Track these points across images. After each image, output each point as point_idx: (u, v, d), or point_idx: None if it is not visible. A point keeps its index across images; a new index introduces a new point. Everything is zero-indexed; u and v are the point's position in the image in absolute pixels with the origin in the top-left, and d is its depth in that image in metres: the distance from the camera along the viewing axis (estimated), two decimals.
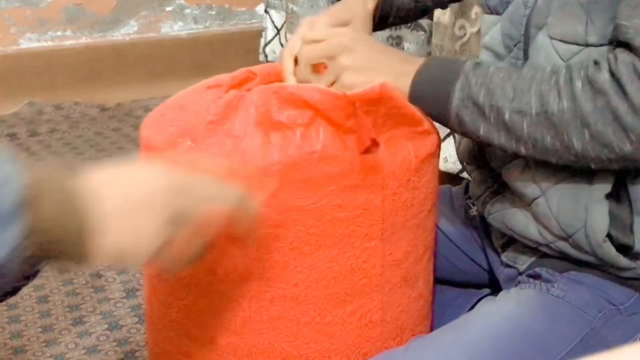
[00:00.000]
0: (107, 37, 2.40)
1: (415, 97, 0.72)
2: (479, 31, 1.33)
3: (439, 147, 0.77)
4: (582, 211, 0.72)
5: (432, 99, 0.71)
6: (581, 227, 0.73)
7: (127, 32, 2.42)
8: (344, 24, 0.82)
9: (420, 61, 0.73)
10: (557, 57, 0.72)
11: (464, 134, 0.72)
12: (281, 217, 0.68)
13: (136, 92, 2.37)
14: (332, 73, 0.74)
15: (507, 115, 0.68)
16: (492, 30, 0.80)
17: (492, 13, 0.80)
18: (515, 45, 0.76)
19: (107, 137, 2.22)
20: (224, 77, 0.77)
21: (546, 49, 0.73)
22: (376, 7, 0.87)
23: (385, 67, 0.73)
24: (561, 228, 0.74)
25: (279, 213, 0.68)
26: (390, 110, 0.71)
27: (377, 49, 0.75)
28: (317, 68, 0.75)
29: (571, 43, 0.71)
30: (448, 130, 1.44)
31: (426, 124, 0.74)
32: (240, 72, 0.78)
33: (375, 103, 0.70)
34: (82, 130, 2.25)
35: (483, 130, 0.69)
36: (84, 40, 2.38)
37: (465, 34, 1.38)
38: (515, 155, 0.74)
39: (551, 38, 0.72)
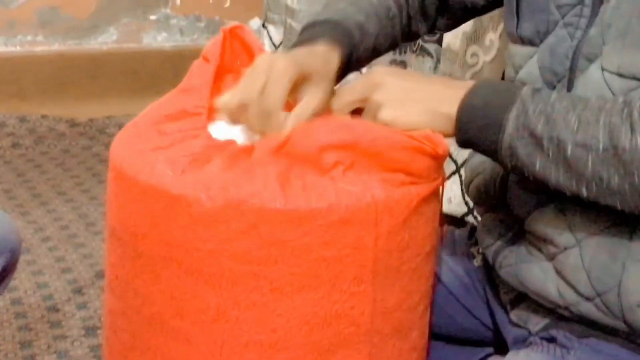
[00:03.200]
0: (83, 44, 2.42)
1: (462, 124, 0.71)
2: (493, 59, 1.35)
3: (443, 185, 0.77)
4: (618, 268, 0.71)
5: (481, 127, 0.71)
6: (614, 286, 0.72)
7: (105, 40, 2.44)
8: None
9: (467, 85, 0.73)
10: (609, 94, 0.70)
11: (515, 168, 0.71)
12: (260, 252, 0.68)
13: (111, 107, 2.39)
14: (368, 113, 0.74)
15: (569, 150, 0.66)
16: (527, 64, 0.78)
17: (524, 44, 0.79)
18: (559, 81, 0.75)
19: (75, 156, 2.22)
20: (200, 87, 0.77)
21: (597, 84, 0.71)
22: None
23: (424, 95, 0.73)
24: (591, 284, 0.73)
25: (258, 248, 0.68)
26: (390, 154, 0.71)
27: (410, 78, 0.75)
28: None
29: (629, 78, 0.69)
30: (454, 167, 1.46)
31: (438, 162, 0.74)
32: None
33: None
34: (47, 146, 2.26)
35: (539, 165, 0.68)
36: (56, 46, 2.40)
37: (477, 62, 1.40)
38: (550, 199, 0.73)
39: (604, 70, 0.71)
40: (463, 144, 0.73)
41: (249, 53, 0.81)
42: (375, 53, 0.86)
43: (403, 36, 0.90)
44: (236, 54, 0.82)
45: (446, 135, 0.73)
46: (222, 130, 0.75)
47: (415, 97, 0.73)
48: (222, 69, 0.80)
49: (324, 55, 0.78)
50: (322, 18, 0.82)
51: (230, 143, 0.73)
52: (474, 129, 0.71)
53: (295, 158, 0.70)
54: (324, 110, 0.76)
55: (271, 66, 0.73)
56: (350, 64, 0.82)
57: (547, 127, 0.67)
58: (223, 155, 0.71)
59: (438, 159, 0.73)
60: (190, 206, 0.68)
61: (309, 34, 0.81)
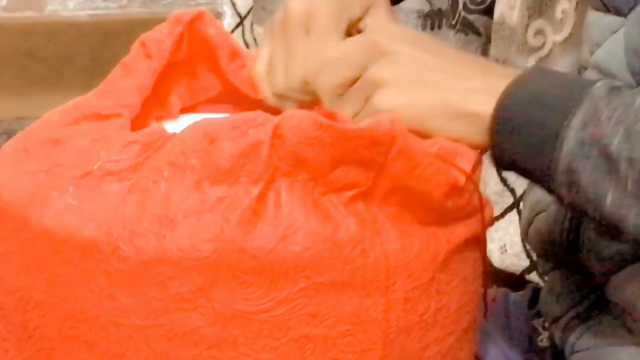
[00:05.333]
0: None
1: (499, 131, 0.70)
2: (567, 40, 1.36)
3: (488, 226, 0.78)
4: None
5: (528, 138, 0.70)
6: None
7: None
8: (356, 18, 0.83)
9: (513, 73, 0.72)
10: None
11: (574, 205, 0.70)
12: (214, 329, 0.69)
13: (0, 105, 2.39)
14: (358, 94, 0.75)
15: None
16: (609, 41, 0.79)
17: (607, 11, 0.79)
18: None
19: None
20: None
21: None
22: None
23: (446, 79, 0.73)
24: None
25: (211, 323, 0.69)
26: (406, 164, 0.72)
27: (435, 51, 0.75)
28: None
29: None
30: (510, 201, 1.46)
31: (473, 192, 0.75)
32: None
33: (381, 149, 0.72)
34: None
35: (612, 199, 0.67)
36: None
37: (544, 44, 1.41)
38: None
39: None
40: (498, 160, 0.73)
41: (210, 52, 0.83)
42: None
43: None
44: (193, 52, 0.84)
45: (468, 144, 0.72)
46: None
47: (432, 80, 0.73)
48: (170, 72, 0.82)
49: None
50: None
51: (180, 138, 0.73)
52: (517, 139, 0.70)
53: (285, 167, 0.71)
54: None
55: (308, 18, 0.76)
56: None
57: (627, 144, 0.66)
58: (160, 166, 0.71)
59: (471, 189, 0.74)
60: (106, 259, 0.69)
61: None
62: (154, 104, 0.81)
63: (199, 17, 0.84)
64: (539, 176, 0.71)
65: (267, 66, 0.82)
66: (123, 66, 0.82)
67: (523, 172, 0.72)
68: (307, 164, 0.71)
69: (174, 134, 0.74)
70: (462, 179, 0.72)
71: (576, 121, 0.68)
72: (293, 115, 0.71)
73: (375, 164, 0.72)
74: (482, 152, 0.74)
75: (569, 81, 0.72)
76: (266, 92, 0.82)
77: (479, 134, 0.72)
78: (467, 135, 0.72)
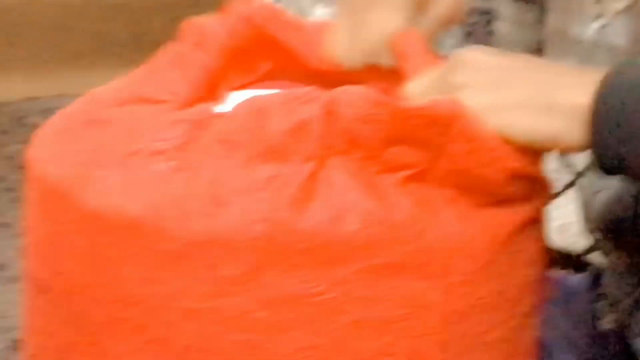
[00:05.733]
0: None
1: (601, 120, 0.67)
2: (628, 8, 1.34)
3: (546, 206, 0.78)
4: None
5: (633, 128, 0.66)
6: None
7: None
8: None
9: (596, 72, 0.69)
10: None
11: None
12: (265, 313, 0.69)
13: (33, 84, 2.41)
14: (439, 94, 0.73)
15: None
16: None
17: None
18: None
19: None
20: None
21: None
22: None
23: (533, 77, 0.71)
24: None
25: (263, 307, 0.69)
26: (466, 146, 0.72)
27: (508, 57, 0.74)
28: None
29: None
30: (567, 179, 1.45)
31: (533, 169, 0.75)
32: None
33: (440, 129, 0.71)
34: None
35: None
36: None
37: (603, 12, 1.39)
38: None
39: None
40: (601, 156, 0.69)
41: (267, 38, 0.84)
42: None
43: None
44: (248, 40, 0.84)
45: (565, 146, 0.69)
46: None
47: (518, 78, 0.71)
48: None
49: None
50: None
51: (229, 116, 0.74)
52: (621, 129, 0.66)
53: (338, 145, 0.71)
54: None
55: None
56: None
57: None
58: (209, 144, 0.72)
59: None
60: (155, 240, 0.69)
61: None
62: (203, 90, 0.81)
63: (258, 10, 0.84)
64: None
65: (340, 36, 0.84)
66: (173, 53, 0.82)
67: (629, 169, 0.69)
68: (362, 142, 0.71)
69: (223, 112, 0.74)
70: (524, 165, 0.72)
71: None
72: (347, 91, 0.71)
73: (433, 144, 0.72)
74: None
75: None
76: (343, 62, 0.83)
77: (575, 128, 0.69)
78: (562, 132, 0.69)
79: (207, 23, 0.84)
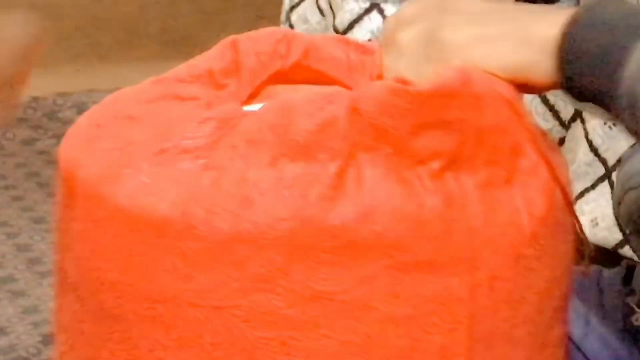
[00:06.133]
0: None
1: (568, 51, 0.72)
2: None
3: (573, 196, 0.77)
4: None
5: (593, 60, 0.72)
6: None
7: None
8: None
9: (569, 11, 0.74)
10: None
11: (634, 131, 0.72)
12: (293, 310, 0.69)
13: (65, 79, 2.42)
14: (421, 40, 0.76)
15: None
16: None
17: None
18: None
19: (11, 155, 2.26)
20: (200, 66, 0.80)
21: None
22: None
23: (511, 12, 0.76)
24: None
25: (290, 304, 0.69)
26: (485, 121, 0.72)
27: (490, 3, 0.78)
28: None
29: None
30: (601, 171, 1.44)
31: (555, 149, 0.75)
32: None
33: (457, 101, 0.71)
34: None
35: None
36: None
37: None
38: None
39: None
40: (567, 86, 0.74)
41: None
42: None
43: None
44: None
45: (537, 79, 0.73)
46: None
47: (497, 12, 0.75)
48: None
49: None
50: None
51: (256, 115, 0.74)
52: (584, 62, 0.71)
53: (365, 141, 0.71)
54: None
55: None
56: None
57: None
58: (236, 143, 0.72)
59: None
60: (183, 238, 0.70)
61: None
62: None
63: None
64: (605, 101, 0.72)
65: None
66: (208, 55, 0.83)
67: (591, 97, 0.73)
68: (388, 135, 0.71)
69: (250, 110, 0.74)
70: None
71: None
72: (369, 87, 0.71)
73: (455, 120, 0.72)
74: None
75: (635, 9, 0.73)
76: None
77: (547, 59, 0.73)
78: (535, 61, 0.73)
79: (241, 47, 0.83)
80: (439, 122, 0.71)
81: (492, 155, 0.73)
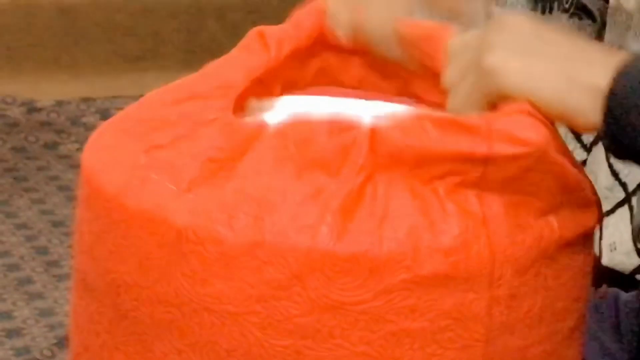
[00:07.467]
0: None
1: (615, 102, 0.70)
2: None
3: (598, 222, 0.78)
4: None
5: (636, 120, 0.69)
6: None
7: None
8: None
9: (618, 57, 0.72)
10: None
11: None
12: (309, 319, 0.69)
13: (89, 84, 2.43)
14: (471, 53, 0.75)
15: None
16: None
17: None
18: None
19: (33, 158, 2.27)
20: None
21: None
22: None
23: (558, 51, 0.74)
24: None
25: (306, 313, 0.69)
26: (509, 150, 0.72)
27: (547, 27, 0.76)
28: None
29: None
30: (621, 196, 1.43)
31: (586, 184, 0.74)
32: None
33: (482, 140, 0.71)
34: None
35: None
36: None
37: None
38: None
39: None
40: (611, 140, 0.72)
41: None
42: None
43: None
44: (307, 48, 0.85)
45: (580, 123, 0.72)
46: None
47: (547, 47, 0.74)
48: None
49: None
50: None
51: (281, 129, 0.74)
52: (630, 118, 0.69)
53: (380, 162, 0.72)
54: None
55: None
56: None
57: None
58: (261, 155, 0.73)
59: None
60: (201, 242, 0.70)
61: None
62: (257, 84, 0.81)
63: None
64: None
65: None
66: (229, 55, 0.83)
67: (632, 155, 0.72)
68: (408, 158, 0.71)
69: (276, 124, 0.75)
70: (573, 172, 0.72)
71: None
72: (389, 117, 0.72)
73: (478, 155, 0.71)
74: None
75: None
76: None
77: (589, 106, 0.71)
78: (580, 108, 0.71)
79: (266, 28, 0.84)
80: (460, 154, 0.71)
81: (509, 188, 0.72)
